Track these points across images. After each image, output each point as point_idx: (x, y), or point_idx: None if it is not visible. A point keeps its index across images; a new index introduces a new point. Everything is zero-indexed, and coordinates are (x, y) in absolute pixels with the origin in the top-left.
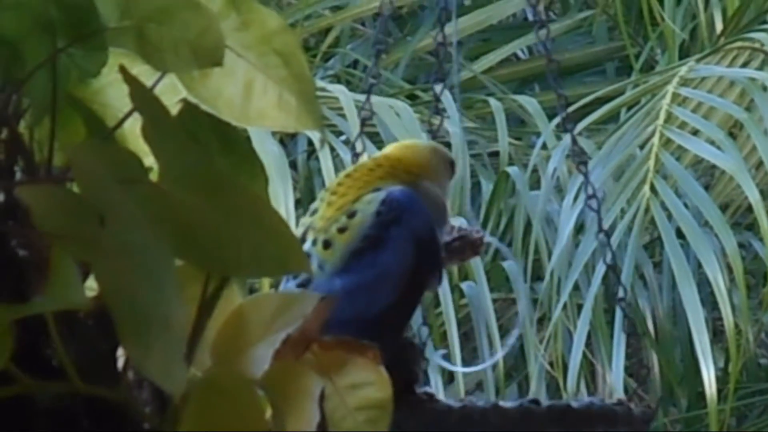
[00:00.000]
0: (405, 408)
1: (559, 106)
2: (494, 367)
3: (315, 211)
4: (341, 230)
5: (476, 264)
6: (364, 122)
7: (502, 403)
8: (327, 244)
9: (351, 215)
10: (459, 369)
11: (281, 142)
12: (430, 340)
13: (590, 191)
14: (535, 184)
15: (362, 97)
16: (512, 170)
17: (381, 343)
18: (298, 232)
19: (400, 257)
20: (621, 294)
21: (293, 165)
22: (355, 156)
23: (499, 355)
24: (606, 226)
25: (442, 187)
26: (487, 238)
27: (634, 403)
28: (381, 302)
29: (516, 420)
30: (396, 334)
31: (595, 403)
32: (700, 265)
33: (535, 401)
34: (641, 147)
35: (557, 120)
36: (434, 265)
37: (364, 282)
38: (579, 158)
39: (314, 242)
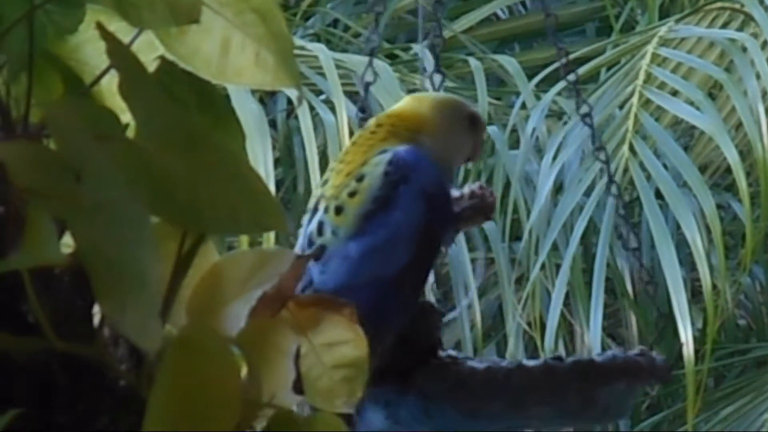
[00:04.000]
0: (429, 372)
1: (559, 59)
2: (472, 326)
3: (326, 182)
4: (351, 194)
5: None
6: (368, 86)
7: (525, 361)
8: (339, 210)
9: (360, 179)
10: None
11: (261, 101)
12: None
13: (597, 143)
14: (514, 144)
15: (342, 56)
16: (491, 130)
17: (400, 303)
18: (310, 202)
19: (411, 215)
20: (634, 244)
21: (273, 124)
22: (362, 120)
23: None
24: (586, 185)
25: (452, 142)
26: None
27: (655, 353)
28: (397, 262)
29: (540, 378)
30: (414, 294)
31: (618, 356)
32: (678, 226)
33: (558, 358)
34: (621, 107)
35: (537, 79)
36: (446, 221)
37: (378, 243)
38: (581, 110)
39: (326, 209)
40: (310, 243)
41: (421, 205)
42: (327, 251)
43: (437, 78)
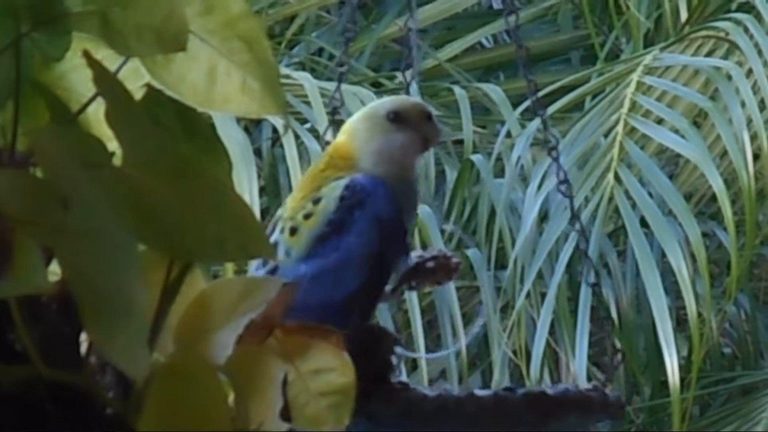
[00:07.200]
0: (380, 397)
1: (529, 92)
2: (458, 355)
3: (284, 205)
4: (307, 216)
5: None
6: (334, 112)
7: (477, 391)
8: (293, 231)
9: (316, 201)
10: (423, 355)
11: (246, 129)
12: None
13: (561, 176)
14: (499, 173)
15: (327, 85)
16: (476, 158)
17: (347, 328)
18: (269, 224)
19: (364, 240)
20: (593, 279)
21: (258, 152)
22: (327, 144)
23: (462, 342)
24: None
25: (381, 149)
26: (455, 231)
27: (608, 389)
28: (346, 286)
29: (491, 408)
30: (363, 319)
31: (570, 389)
32: (664, 254)
33: (510, 389)
34: (606, 135)
35: (522, 108)
36: (400, 248)
37: (329, 266)
38: (549, 143)
39: (282, 230)
40: (264, 263)
41: (375, 232)
42: (278, 272)
43: None
